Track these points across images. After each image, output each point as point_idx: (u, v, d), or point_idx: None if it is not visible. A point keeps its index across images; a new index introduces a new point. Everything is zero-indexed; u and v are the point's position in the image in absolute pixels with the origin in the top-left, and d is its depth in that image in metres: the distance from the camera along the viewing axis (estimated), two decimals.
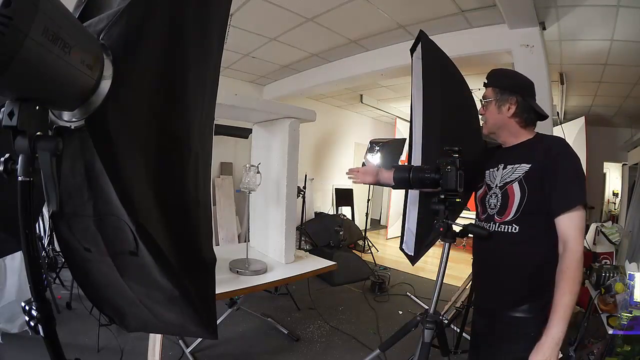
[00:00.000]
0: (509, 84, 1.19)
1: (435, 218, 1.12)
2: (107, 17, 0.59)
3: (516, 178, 1.13)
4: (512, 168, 1.15)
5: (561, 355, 0.99)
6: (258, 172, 2.09)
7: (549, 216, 1.06)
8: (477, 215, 1.31)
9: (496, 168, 1.22)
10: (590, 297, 2.03)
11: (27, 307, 0.60)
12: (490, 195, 1.21)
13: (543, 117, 1.19)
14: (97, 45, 0.57)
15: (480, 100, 1.24)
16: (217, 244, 4.29)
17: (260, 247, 2.49)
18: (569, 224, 1.02)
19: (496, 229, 1.17)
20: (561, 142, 1.12)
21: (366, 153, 4.82)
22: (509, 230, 1.13)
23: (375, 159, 4.70)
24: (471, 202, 1.59)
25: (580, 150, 4.16)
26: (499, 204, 1.17)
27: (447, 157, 1.09)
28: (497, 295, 1.21)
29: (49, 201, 0.61)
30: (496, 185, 1.19)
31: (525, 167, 1.11)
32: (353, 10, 2.82)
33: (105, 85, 0.58)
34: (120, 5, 0.60)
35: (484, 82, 1.23)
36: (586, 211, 1.05)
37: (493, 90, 1.20)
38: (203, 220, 0.86)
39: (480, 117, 1.27)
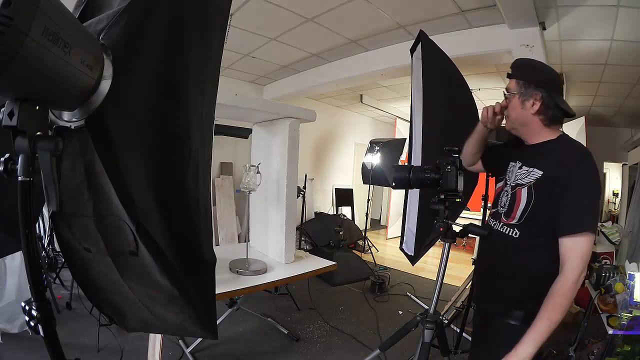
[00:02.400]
0: (534, 77, 1.09)
1: (435, 218, 1.12)
2: (107, 17, 0.59)
3: (527, 183, 1.08)
4: (527, 171, 1.10)
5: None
6: (258, 172, 2.09)
7: (553, 230, 1.01)
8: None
9: (515, 164, 1.17)
10: (590, 297, 2.03)
11: (27, 307, 0.60)
12: (504, 193, 1.18)
13: (570, 114, 1.11)
14: (97, 45, 0.57)
15: (504, 92, 1.16)
16: (217, 244, 4.29)
17: (260, 247, 2.49)
18: (571, 248, 0.96)
19: (499, 229, 1.15)
20: (581, 152, 1.04)
21: (366, 153, 4.82)
22: (510, 234, 1.11)
23: (375, 158, 4.70)
24: (472, 202, 1.59)
25: None
26: (507, 204, 1.14)
27: (447, 157, 1.09)
28: (491, 297, 1.20)
29: (49, 201, 0.61)
30: (509, 184, 1.16)
31: (537, 173, 1.06)
32: (353, 10, 2.82)
33: (105, 85, 0.58)
34: (120, 5, 0.60)
35: (508, 73, 1.15)
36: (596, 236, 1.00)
37: (517, 83, 1.11)
38: (203, 220, 0.86)
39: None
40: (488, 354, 1.18)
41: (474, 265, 2.63)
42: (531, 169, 1.09)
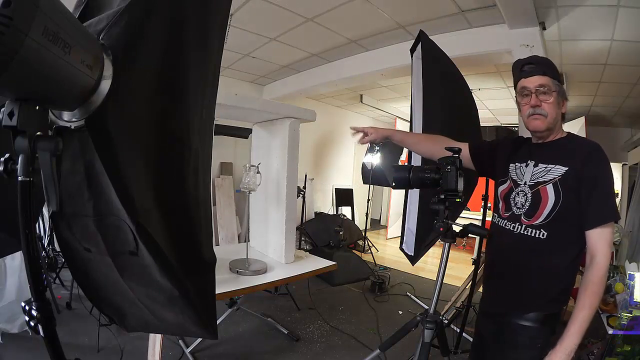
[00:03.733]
0: (558, 77, 1.10)
1: (435, 218, 1.12)
2: (107, 17, 0.59)
3: (550, 180, 1.06)
4: (546, 168, 1.09)
5: None
6: (258, 172, 2.09)
7: (579, 226, 1.02)
8: (497, 211, 1.24)
9: (525, 164, 1.15)
10: None
11: (27, 307, 0.60)
12: (517, 193, 1.14)
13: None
14: (97, 45, 0.57)
15: (539, 89, 1.09)
16: (217, 244, 4.28)
17: (260, 247, 2.49)
18: (599, 238, 1.00)
19: (522, 232, 1.11)
20: (598, 148, 1.06)
21: (366, 153, 4.82)
22: (536, 236, 1.08)
23: (375, 158, 4.71)
24: (472, 202, 1.59)
25: None
26: (527, 204, 1.10)
27: (447, 157, 1.09)
28: (509, 300, 1.17)
29: (49, 201, 0.61)
30: (525, 183, 1.13)
31: (562, 169, 1.05)
32: (353, 10, 2.82)
33: (105, 85, 0.58)
34: (120, 5, 0.60)
35: (541, 70, 1.09)
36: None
37: (553, 82, 1.08)
38: (203, 220, 0.86)
39: (533, 108, 1.10)
40: (500, 356, 1.16)
41: (474, 265, 2.63)
42: (552, 166, 1.08)
